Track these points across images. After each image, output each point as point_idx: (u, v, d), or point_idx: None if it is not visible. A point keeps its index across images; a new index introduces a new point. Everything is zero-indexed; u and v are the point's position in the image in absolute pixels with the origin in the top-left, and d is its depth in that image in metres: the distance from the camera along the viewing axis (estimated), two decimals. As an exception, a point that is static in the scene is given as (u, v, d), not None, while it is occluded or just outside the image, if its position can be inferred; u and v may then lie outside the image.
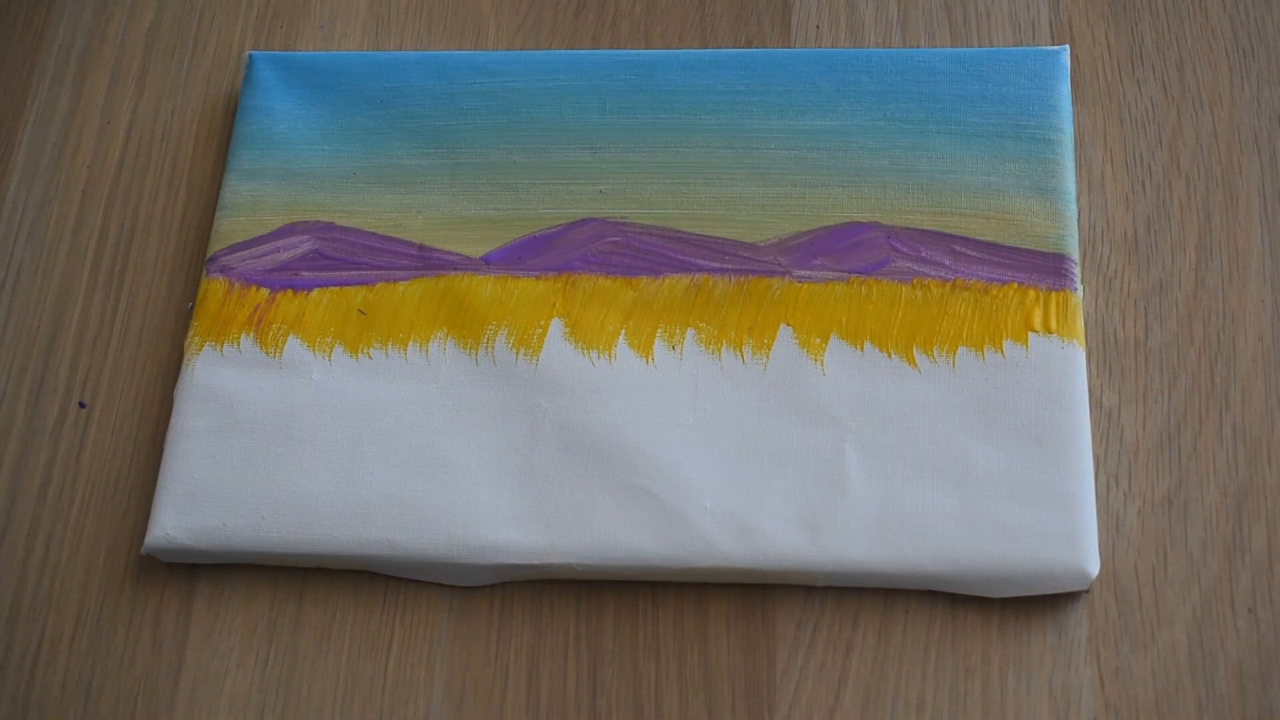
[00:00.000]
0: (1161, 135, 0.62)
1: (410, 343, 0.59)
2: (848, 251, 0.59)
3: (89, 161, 0.65)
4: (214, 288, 0.60)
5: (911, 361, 0.57)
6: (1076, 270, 0.58)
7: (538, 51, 0.65)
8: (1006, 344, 0.57)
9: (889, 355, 0.57)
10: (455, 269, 0.60)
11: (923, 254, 0.59)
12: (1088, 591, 0.54)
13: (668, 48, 0.66)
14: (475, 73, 0.64)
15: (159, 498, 0.57)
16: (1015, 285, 0.58)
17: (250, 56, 0.65)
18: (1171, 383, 0.57)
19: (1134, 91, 0.63)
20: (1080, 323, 0.57)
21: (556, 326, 0.58)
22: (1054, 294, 0.57)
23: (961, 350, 0.57)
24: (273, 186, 0.62)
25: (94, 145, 0.66)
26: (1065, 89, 0.61)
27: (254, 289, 0.60)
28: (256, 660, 0.55)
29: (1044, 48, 0.62)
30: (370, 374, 0.58)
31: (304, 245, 0.61)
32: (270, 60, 0.65)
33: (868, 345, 0.57)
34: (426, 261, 0.60)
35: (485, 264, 0.60)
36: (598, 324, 0.58)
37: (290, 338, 0.59)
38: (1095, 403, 0.57)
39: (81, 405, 0.60)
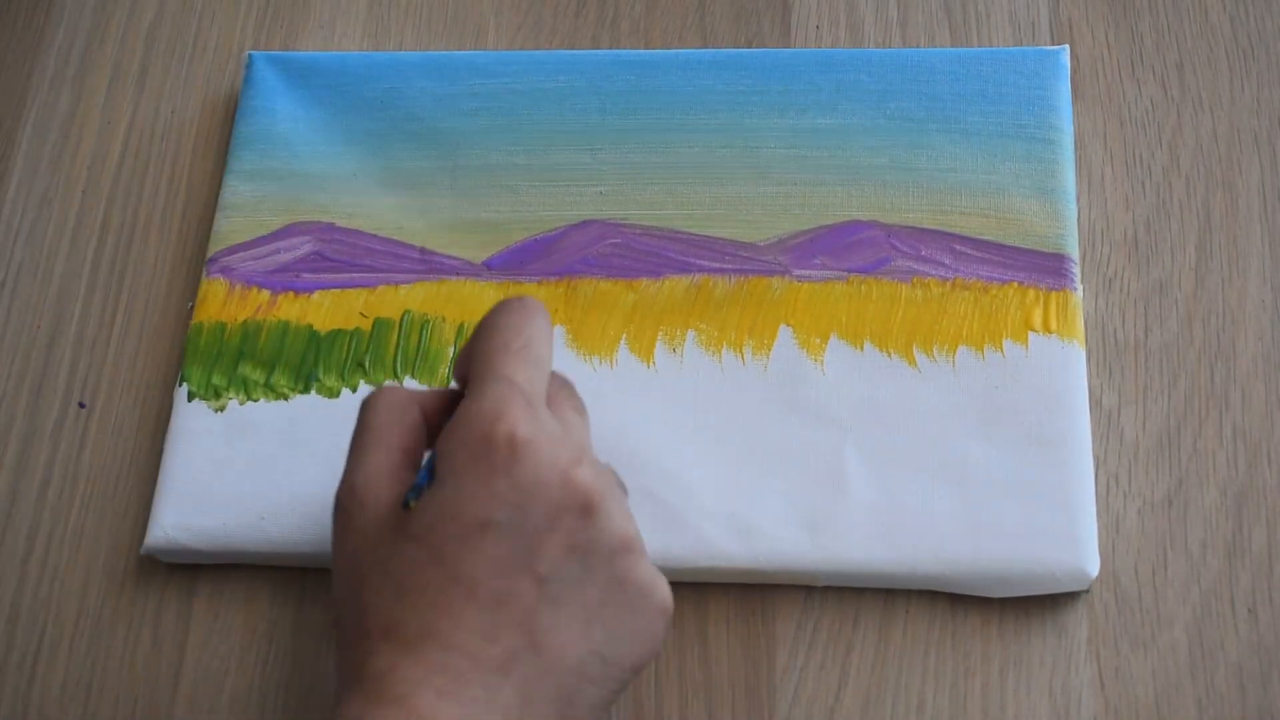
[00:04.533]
0: (1161, 135, 0.62)
1: (411, 345, 0.59)
2: (848, 251, 0.59)
3: (89, 161, 0.65)
4: (214, 288, 0.60)
5: (911, 361, 0.57)
6: (1076, 270, 0.58)
7: (538, 52, 0.65)
8: (1006, 344, 0.57)
9: (889, 355, 0.57)
10: (457, 274, 0.60)
11: (923, 253, 0.59)
12: (1088, 591, 0.54)
13: (668, 48, 0.65)
14: (475, 73, 0.64)
15: (159, 498, 0.57)
16: (1015, 285, 0.58)
17: (250, 56, 0.65)
18: (1171, 383, 0.57)
19: (1134, 91, 0.63)
20: (1080, 323, 0.57)
21: (559, 334, 0.58)
22: (1054, 294, 0.57)
23: (961, 350, 0.57)
24: (273, 187, 0.62)
25: (94, 145, 0.66)
26: (1065, 89, 0.61)
27: (255, 290, 0.60)
28: (256, 660, 0.55)
29: (1044, 48, 0.62)
30: (370, 375, 0.59)
31: (305, 246, 0.61)
32: (270, 60, 0.65)
33: (868, 345, 0.57)
34: (428, 265, 0.60)
35: (487, 269, 0.60)
36: (599, 329, 0.58)
37: (291, 338, 0.59)
38: (1095, 403, 0.57)
39: (81, 405, 0.60)
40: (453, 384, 0.49)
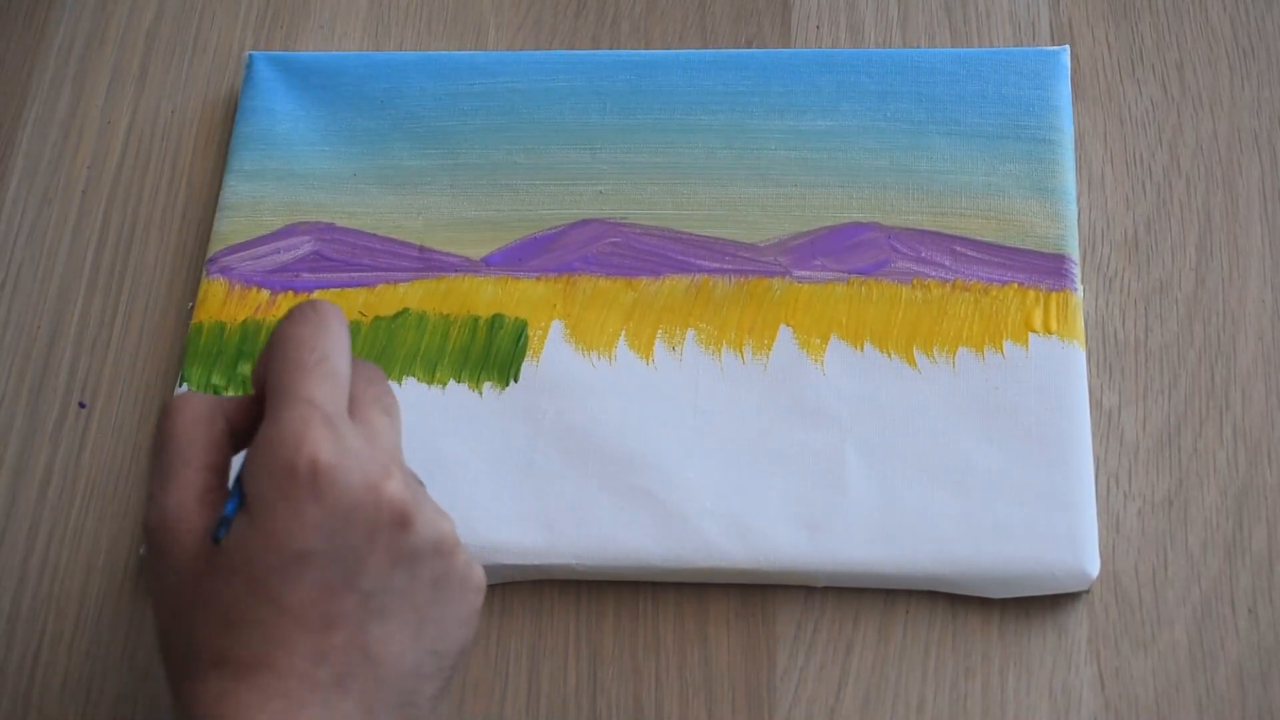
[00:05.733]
0: (1161, 135, 0.62)
1: (411, 344, 0.59)
2: (848, 252, 0.59)
3: (89, 161, 0.65)
4: (214, 288, 0.60)
5: (911, 362, 0.57)
6: (1076, 270, 0.58)
7: (538, 52, 0.65)
8: (1006, 344, 0.57)
9: (889, 356, 0.57)
10: (456, 270, 0.60)
11: (923, 254, 0.59)
12: (1088, 592, 0.54)
13: (668, 48, 0.65)
14: (475, 73, 0.64)
15: (159, 498, 0.57)
16: (1015, 285, 0.58)
17: (250, 56, 0.65)
18: (1171, 383, 0.57)
19: (1134, 91, 0.63)
20: (1080, 323, 0.57)
21: (557, 328, 0.58)
22: (1054, 294, 0.57)
23: (961, 350, 0.57)
24: (273, 187, 0.62)
25: (94, 145, 0.66)
26: (1065, 89, 0.61)
27: (255, 290, 0.60)
28: (257, 660, 0.55)
29: (1044, 48, 0.62)
30: (370, 374, 0.59)
31: (305, 246, 0.61)
32: (270, 60, 0.65)
33: (868, 346, 0.57)
34: (427, 263, 0.60)
35: (486, 265, 0.60)
36: (598, 325, 0.58)
37: (290, 338, 0.59)
38: (1095, 403, 0.57)
39: (81, 405, 0.60)
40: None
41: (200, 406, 0.46)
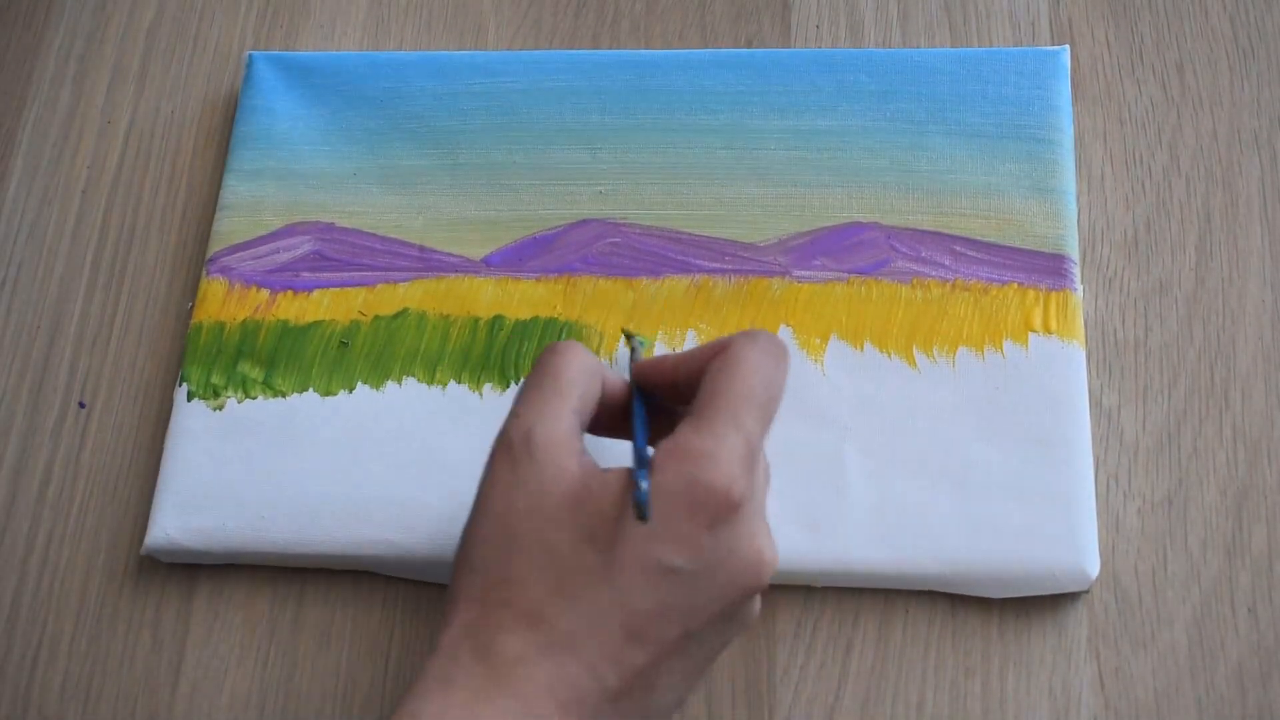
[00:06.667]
0: (1161, 135, 0.62)
1: (410, 343, 0.59)
2: (848, 251, 0.59)
3: (89, 161, 0.65)
4: (214, 288, 0.60)
5: (911, 362, 0.57)
6: (1076, 270, 0.58)
7: (538, 51, 0.65)
8: (1006, 344, 0.57)
9: (889, 355, 0.57)
10: (456, 270, 0.60)
11: (923, 254, 0.59)
12: (1087, 591, 0.54)
13: (668, 48, 0.65)
14: (475, 73, 0.64)
15: (159, 498, 0.57)
16: (1015, 285, 0.58)
17: (250, 56, 0.65)
18: (1171, 383, 0.57)
19: (1134, 91, 0.63)
20: (1080, 323, 0.57)
21: (557, 329, 0.58)
22: (1054, 294, 0.57)
23: (961, 350, 0.57)
24: (273, 187, 0.62)
25: (94, 145, 0.66)
26: (1065, 89, 0.61)
27: (254, 289, 0.60)
28: (256, 660, 0.55)
29: (1044, 48, 0.62)
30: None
31: (304, 246, 0.61)
32: (270, 60, 0.65)
33: (868, 345, 0.57)
34: (427, 263, 0.60)
35: (486, 266, 0.60)
36: (598, 326, 0.58)
37: (290, 338, 0.59)
38: (1095, 403, 0.57)
39: (81, 405, 0.60)
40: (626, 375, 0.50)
41: (589, 361, 0.48)
